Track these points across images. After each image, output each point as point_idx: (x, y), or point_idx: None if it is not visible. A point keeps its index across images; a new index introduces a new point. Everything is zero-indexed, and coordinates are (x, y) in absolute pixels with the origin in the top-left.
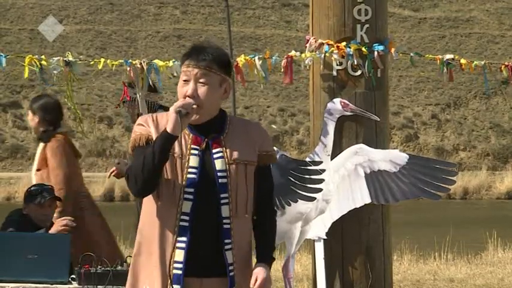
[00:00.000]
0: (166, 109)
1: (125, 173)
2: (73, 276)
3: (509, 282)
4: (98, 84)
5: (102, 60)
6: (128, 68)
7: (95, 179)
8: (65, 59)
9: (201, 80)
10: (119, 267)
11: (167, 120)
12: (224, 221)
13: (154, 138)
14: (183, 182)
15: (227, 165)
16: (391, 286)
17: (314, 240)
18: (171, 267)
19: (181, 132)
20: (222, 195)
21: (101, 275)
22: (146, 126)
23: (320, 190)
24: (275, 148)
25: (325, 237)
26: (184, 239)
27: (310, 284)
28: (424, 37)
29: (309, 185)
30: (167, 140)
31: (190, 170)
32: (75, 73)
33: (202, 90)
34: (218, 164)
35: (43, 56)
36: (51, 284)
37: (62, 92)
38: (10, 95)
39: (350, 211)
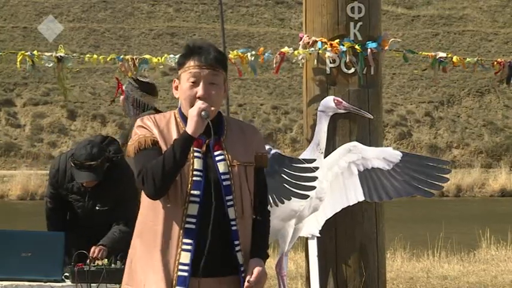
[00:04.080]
0: (158, 111)
1: (137, 175)
2: (66, 274)
3: (502, 280)
4: (91, 82)
5: (95, 56)
6: (120, 63)
7: None
8: (56, 55)
9: (211, 81)
10: (113, 265)
11: (166, 121)
12: (232, 222)
13: (159, 141)
14: (189, 185)
15: (229, 168)
16: (384, 283)
17: (307, 238)
18: (176, 269)
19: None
20: (227, 198)
21: (95, 273)
22: (148, 129)
23: (313, 188)
24: (268, 146)
25: (319, 235)
26: (190, 241)
27: (304, 281)
28: (417, 35)
29: (302, 183)
30: (188, 141)
31: (195, 172)
32: (68, 67)
33: (212, 91)
34: (221, 167)
35: (35, 52)
36: (45, 282)
37: (54, 89)
38: (3, 93)
39: (343, 209)
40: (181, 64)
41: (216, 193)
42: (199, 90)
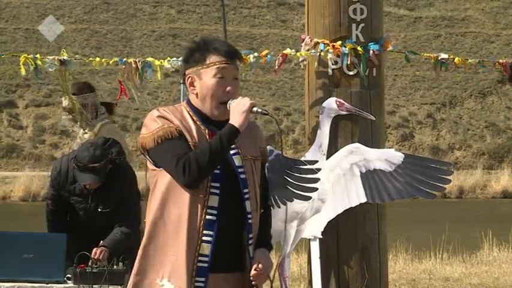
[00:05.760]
0: (106, 104)
1: (176, 163)
2: (68, 275)
3: (505, 282)
4: (93, 83)
5: (98, 59)
6: (123, 66)
7: None
8: (60, 58)
9: (235, 76)
10: (115, 267)
11: (180, 114)
12: (248, 216)
13: (183, 131)
14: (209, 177)
15: (243, 161)
16: (386, 285)
17: (309, 240)
18: (196, 260)
19: (198, 127)
20: (244, 191)
21: (97, 274)
22: (169, 119)
23: (316, 189)
24: (269, 147)
25: (321, 237)
26: (210, 232)
27: (306, 283)
28: (419, 36)
29: (304, 184)
30: (235, 134)
31: None
32: (71, 71)
33: (237, 86)
34: (236, 160)
35: (38, 55)
36: (47, 284)
37: (56, 91)
38: (5, 95)
39: (345, 210)
40: (198, 61)
41: (233, 186)
42: (229, 86)
